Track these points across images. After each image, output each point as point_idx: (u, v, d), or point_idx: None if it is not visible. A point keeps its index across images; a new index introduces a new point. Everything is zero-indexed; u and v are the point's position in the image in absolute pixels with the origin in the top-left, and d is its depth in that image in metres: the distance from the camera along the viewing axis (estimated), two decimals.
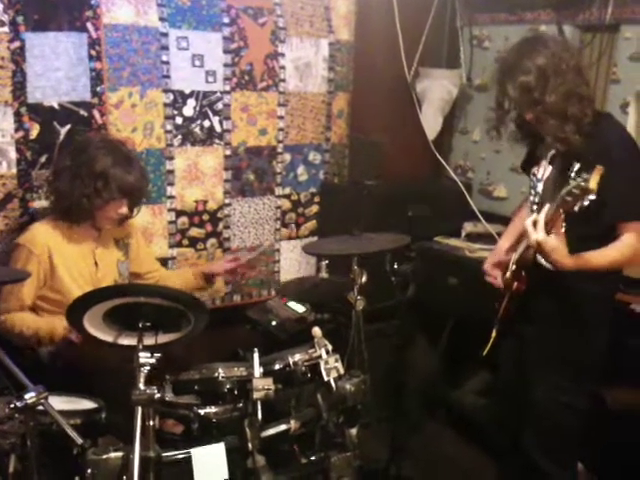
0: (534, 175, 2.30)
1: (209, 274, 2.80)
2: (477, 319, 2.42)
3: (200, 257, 3.22)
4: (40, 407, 1.61)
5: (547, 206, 1.90)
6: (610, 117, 2.17)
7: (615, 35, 3.13)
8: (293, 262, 3.50)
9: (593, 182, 1.77)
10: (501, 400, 2.64)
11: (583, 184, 1.78)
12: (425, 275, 3.22)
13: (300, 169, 3.46)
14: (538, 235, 1.90)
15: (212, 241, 3.25)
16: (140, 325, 1.74)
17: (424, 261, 3.26)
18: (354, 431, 2.06)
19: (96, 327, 1.79)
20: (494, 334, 2.37)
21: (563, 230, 1.91)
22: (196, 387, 1.89)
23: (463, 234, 3.49)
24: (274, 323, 2.66)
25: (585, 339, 2.20)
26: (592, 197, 1.78)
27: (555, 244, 1.91)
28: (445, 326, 3.38)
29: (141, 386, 1.63)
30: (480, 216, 3.57)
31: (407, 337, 3.15)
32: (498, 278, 2.37)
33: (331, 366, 1.94)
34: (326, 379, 1.95)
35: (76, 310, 1.74)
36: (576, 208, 1.82)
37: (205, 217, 3.21)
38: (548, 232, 1.90)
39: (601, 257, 2.02)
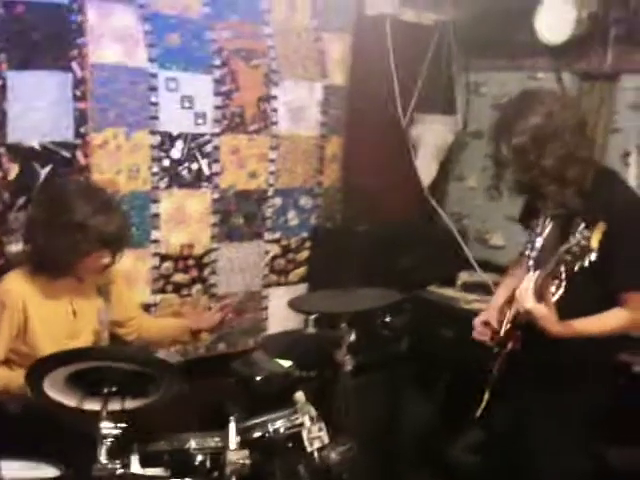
0: (533, 229, 2.21)
1: (196, 330, 2.67)
2: (473, 372, 2.31)
3: (184, 304, 3.10)
4: None
5: (537, 272, 1.84)
6: (614, 175, 2.08)
7: (615, 84, 3.08)
8: (282, 309, 3.37)
9: (594, 240, 1.69)
10: (492, 460, 2.53)
11: (583, 242, 1.70)
12: (419, 327, 3.12)
13: (291, 213, 3.36)
14: (528, 304, 1.84)
15: (197, 287, 3.13)
16: (105, 391, 1.61)
17: (418, 312, 3.16)
18: None
19: (58, 390, 1.66)
20: (487, 396, 2.27)
21: (559, 293, 1.82)
22: (165, 458, 1.75)
23: (458, 283, 3.38)
24: (258, 378, 2.52)
25: (583, 400, 2.09)
26: (593, 256, 1.70)
27: (544, 312, 1.84)
28: (439, 379, 3.26)
29: (103, 460, 1.49)
30: (476, 265, 3.47)
31: (399, 391, 3.03)
32: (486, 336, 2.27)
33: (314, 435, 1.82)
34: (309, 449, 1.81)
35: (35, 373, 1.62)
36: (576, 268, 1.74)
37: (190, 262, 3.09)
38: (538, 299, 1.82)
39: (595, 326, 1.94)
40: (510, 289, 2.31)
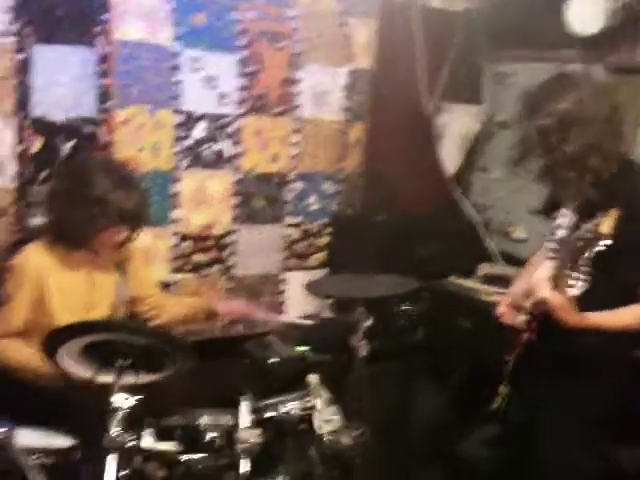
0: (554, 220, 2.17)
1: (213, 311, 2.65)
2: (489, 365, 2.29)
3: (203, 284, 3.10)
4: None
5: (554, 262, 1.82)
6: (631, 164, 2.03)
7: None
8: (300, 293, 3.36)
9: (606, 226, 1.66)
10: (506, 454, 2.50)
11: (595, 228, 1.67)
12: (436, 317, 3.09)
13: (312, 198, 3.34)
14: (543, 292, 1.82)
15: (216, 268, 3.13)
16: (118, 364, 1.61)
17: (435, 302, 3.12)
18: None
19: (73, 362, 1.66)
20: (503, 388, 2.23)
21: (579, 286, 1.78)
22: (177, 433, 1.74)
23: (479, 275, 3.34)
24: (272, 361, 2.51)
25: (597, 395, 2.06)
26: (606, 242, 1.67)
27: (559, 301, 1.81)
28: (455, 371, 3.22)
29: (115, 431, 1.49)
30: (499, 257, 3.42)
31: (413, 381, 3.01)
32: (514, 318, 2.22)
33: (326, 418, 1.80)
34: (320, 432, 1.80)
35: (50, 343, 1.62)
36: (587, 254, 1.72)
37: (210, 242, 3.09)
38: (554, 288, 1.80)
39: (610, 320, 1.90)
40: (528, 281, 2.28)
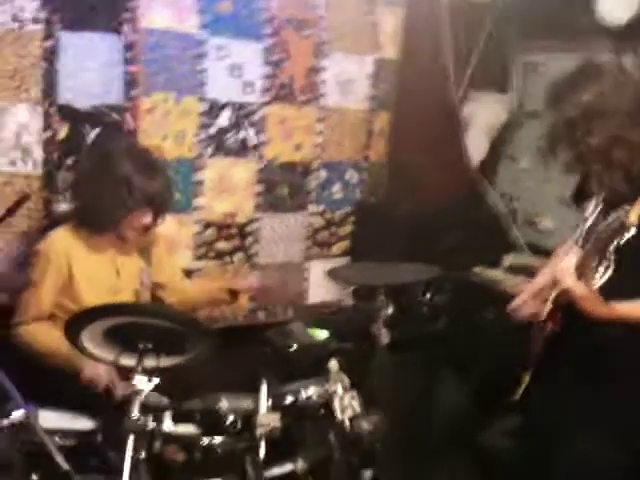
0: (584, 210, 2.14)
1: (234, 290, 2.67)
2: (512, 355, 2.26)
3: (226, 271, 3.11)
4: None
5: (580, 252, 1.79)
6: None
7: None
8: (323, 282, 3.36)
9: (634, 215, 1.64)
10: (530, 447, 2.47)
11: (623, 218, 1.66)
12: (459, 307, 3.07)
13: (336, 187, 3.33)
14: (567, 281, 1.79)
15: (239, 255, 3.14)
16: (140, 347, 1.62)
17: (459, 292, 3.10)
18: (369, 473, 1.91)
19: (96, 344, 1.67)
20: (526, 378, 2.21)
21: (607, 275, 1.75)
22: (197, 416, 1.76)
23: (504, 265, 3.31)
24: (293, 348, 2.52)
25: (621, 388, 2.01)
26: (632, 232, 1.64)
27: (583, 291, 1.78)
28: (477, 361, 3.20)
29: (135, 413, 1.51)
30: (525, 247, 3.38)
31: (435, 371, 2.99)
32: (533, 310, 2.19)
33: (346, 404, 1.80)
34: (340, 418, 1.80)
35: (74, 326, 1.64)
36: (614, 243, 1.69)
37: (233, 230, 3.10)
38: (579, 277, 1.77)
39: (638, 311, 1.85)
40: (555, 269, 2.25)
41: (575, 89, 1.88)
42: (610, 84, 1.87)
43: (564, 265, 1.82)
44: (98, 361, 1.75)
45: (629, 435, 2.09)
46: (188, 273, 2.96)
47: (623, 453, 2.08)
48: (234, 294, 2.61)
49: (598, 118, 1.83)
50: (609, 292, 1.89)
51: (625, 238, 1.66)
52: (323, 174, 3.26)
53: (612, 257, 1.92)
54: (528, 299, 2.22)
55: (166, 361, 1.71)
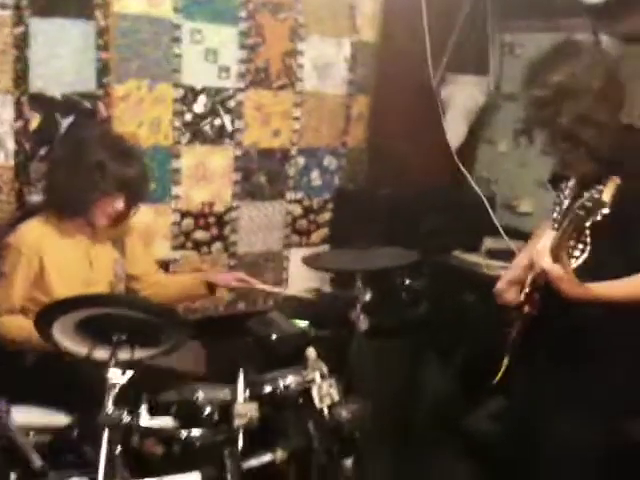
0: (562, 191, 2.14)
1: (213, 283, 2.63)
2: (493, 339, 2.26)
3: (204, 261, 3.08)
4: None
5: (554, 232, 1.79)
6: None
7: None
8: (302, 270, 3.34)
9: (606, 194, 1.65)
10: (512, 430, 2.48)
11: (596, 196, 1.65)
12: (439, 291, 3.07)
13: (314, 173, 3.30)
14: (543, 263, 1.78)
15: (218, 245, 3.11)
16: (114, 339, 1.59)
17: (438, 276, 3.10)
18: (349, 462, 1.90)
19: (68, 338, 1.65)
20: (506, 361, 2.21)
21: (583, 257, 1.75)
22: (173, 409, 1.73)
23: (483, 249, 3.31)
24: (274, 337, 2.50)
25: (601, 369, 2.02)
26: (605, 211, 1.65)
27: (559, 273, 1.77)
28: (459, 345, 3.21)
29: (110, 407, 1.48)
30: (502, 232, 3.38)
31: (417, 356, 2.99)
32: (514, 296, 2.20)
33: (325, 392, 1.78)
34: (319, 406, 1.79)
35: (44, 318, 1.60)
36: (588, 223, 1.69)
37: (211, 219, 3.07)
38: (555, 259, 1.76)
39: (617, 290, 1.85)
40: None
41: (548, 69, 1.89)
42: (583, 64, 1.87)
43: (540, 247, 1.82)
44: (71, 354, 1.71)
45: (608, 414, 2.11)
46: (166, 263, 2.93)
47: (603, 433, 2.10)
48: (212, 288, 2.58)
49: (568, 98, 1.84)
50: (586, 273, 1.89)
51: (598, 217, 1.65)
52: (301, 161, 3.23)
53: (588, 239, 1.93)
54: (508, 285, 2.22)
55: (141, 353, 1.68)
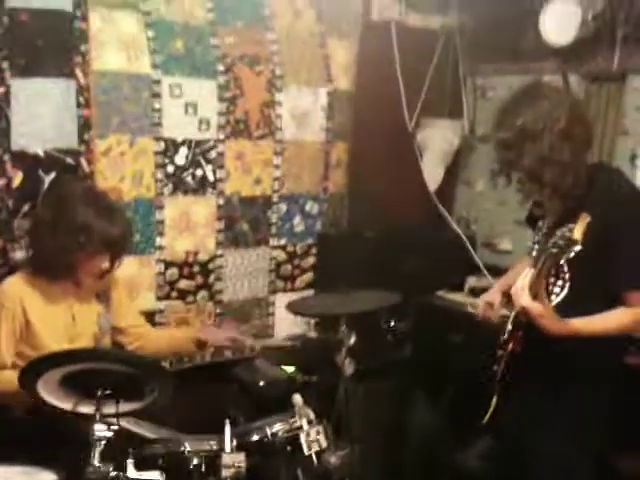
0: (539, 229, 2.20)
1: (202, 340, 2.63)
2: (480, 378, 2.27)
3: (190, 310, 3.09)
4: None
5: (531, 270, 1.83)
6: (616, 173, 2.05)
7: (623, 85, 3.04)
8: (288, 315, 3.34)
9: (577, 232, 1.70)
10: (502, 466, 2.48)
11: (567, 234, 1.70)
12: (425, 332, 3.08)
13: (296, 219, 3.34)
14: (522, 301, 1.82)
15: (203, 293, 3.12)
16: (98, 393, 1.59)
17: (424, 317, 3.12)
18: None
19: (52, 393, 1.64)
20: (495, 399, 2.23)
21: (563, 294, 1.79)
22: (160, 462, 1.73)
23: (466, 288, 3.34)
24: (261, 384, 2.50)
25: (585, 402, 2.06)
26: (577, 248, 1.69)
27: (539, 310, 1.81)
28: (446, 385, 3.21)
29: (95, 462, 1.48)
30: (484, 270, 3.43)
31: (404, 398, 2.99)
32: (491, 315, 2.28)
33: (313, 438, 1.78)
34: (307, 453, 1.79)
35: (29, 374, 1.60)
36: (562, 260, 1.74)
37: (196, 268, 3.08)
38: (534, 297, 1.81)
39: (595, 326, 1.90)
40: (508, 284, 2.30)
41: (513, 112, 1.95)
42: (546, 106, 1.93)
43: (518, 285, 1.85)
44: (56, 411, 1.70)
45: (596, 447, 2.12)
46: (151, 314, 2.93)
47: (591, 467, 2.11)
48: (201, 344, 2.58)
49: (530, 141, 1.89)
50: (565, 308, 1.93)
51: (572, 255, 1.70)
52: (283, 207, 3.27)
53: (567, 275, 1.97)
54: (486, 305, 2.29)
55: (125, 406, 1.68)
